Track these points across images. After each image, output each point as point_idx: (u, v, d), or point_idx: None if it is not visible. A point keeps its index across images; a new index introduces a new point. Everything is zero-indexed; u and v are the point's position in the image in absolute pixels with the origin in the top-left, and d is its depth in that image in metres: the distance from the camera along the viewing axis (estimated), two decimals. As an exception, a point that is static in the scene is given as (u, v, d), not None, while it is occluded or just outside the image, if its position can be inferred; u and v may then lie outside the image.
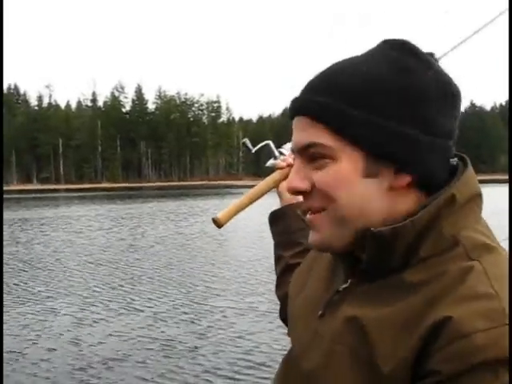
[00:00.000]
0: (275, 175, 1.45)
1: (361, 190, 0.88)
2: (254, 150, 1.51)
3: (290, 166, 1.42)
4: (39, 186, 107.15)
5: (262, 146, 1.50)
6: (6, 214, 32.51)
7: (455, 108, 0.91)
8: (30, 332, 8.09)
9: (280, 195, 1.48)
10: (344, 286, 0.96)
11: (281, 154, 1.48)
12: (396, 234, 0.86)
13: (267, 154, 1.49)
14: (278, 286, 1.44)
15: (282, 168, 1.45)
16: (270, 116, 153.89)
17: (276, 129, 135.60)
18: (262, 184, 1.45)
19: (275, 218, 1.47)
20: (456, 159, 0.95)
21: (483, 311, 0.76)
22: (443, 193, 0.88)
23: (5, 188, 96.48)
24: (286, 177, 1.42)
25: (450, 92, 0.90)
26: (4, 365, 6.67)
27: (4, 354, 6.99)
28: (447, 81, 0.90)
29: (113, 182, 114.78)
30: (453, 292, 0.80)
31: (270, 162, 1.48)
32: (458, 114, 0.92)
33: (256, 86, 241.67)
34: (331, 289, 1.00)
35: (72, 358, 6.92)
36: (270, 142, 1.49)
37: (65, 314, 9.07)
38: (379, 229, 0.86)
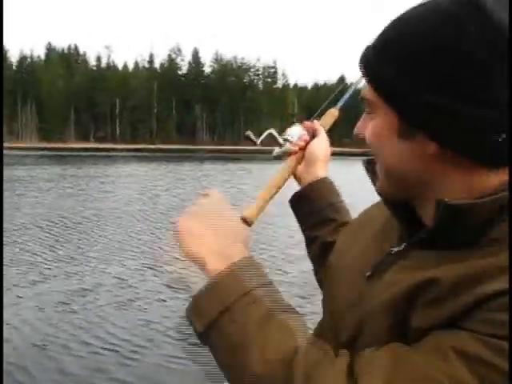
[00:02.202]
0: (290, 161, 1.38)
1: (394, 150, 0.88)
2: (258, 142, 1.42)
3: (302, 149, 1.39)
4: (96, 145, 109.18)
5: (266, 136, 1.42)
6: (70, 172, 33.48)
7: (502, 72, 0.78)
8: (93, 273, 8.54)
9: (299, 179, 1.40)
10: (398, 248, 0.93)
11: (286, 140, 1.40)
12: (473, 211, 0.82)
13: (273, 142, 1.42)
14: (317, 271, 1.37)
15: (295, 153, 1.39)
16: (325, 83, 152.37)
17: (331, 96, 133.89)
18: (280, 173, 1.37)
19: (299, 201, 1.39)
20: None
21: None
22: None
23: (63, 145, 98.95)
24: (300, 160, 1.39)
25: (495, 54, 0.77)
26: (80, 301, 7.07)
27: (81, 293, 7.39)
28: (493, 40, 0.77)
29: (167, 143, 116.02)
30: None
31: (277, 151, 1.41)
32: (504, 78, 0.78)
33: (313, 53, 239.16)
34: (383, 250, 0.96)
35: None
36: (273, 131, 1.42)
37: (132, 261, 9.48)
38: (457, 202, 0.82)
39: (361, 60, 0.91)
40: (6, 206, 16.39)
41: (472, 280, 0.79)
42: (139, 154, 69.46)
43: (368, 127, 0.92)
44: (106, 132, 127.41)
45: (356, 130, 0.96)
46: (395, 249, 0.94)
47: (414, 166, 0.87)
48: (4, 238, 11.35)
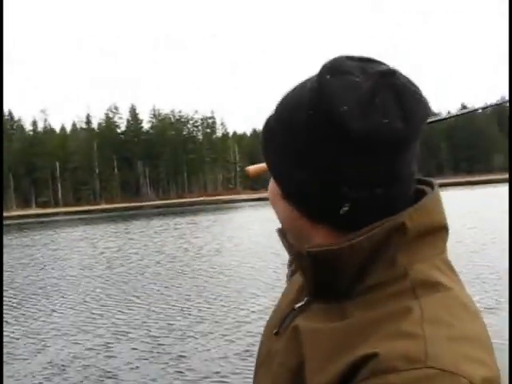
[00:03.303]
0: None
1: (279, 209, 0.95)
2: None
3: None
4: (39, 211, 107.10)
5: None
6: (16, 241, 32.76)
7: (347, 147, 0.82)
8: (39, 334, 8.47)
9: None
10: (299, 304, 0.96)
11: None
12: (332, 256, 0.85)
13: None
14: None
15: None
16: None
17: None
18: None
19: None
20: (423, 186, 0.92)
21: (404, 352, 0.75)
22: (391, 220, 0.84)
23: (5, 214, 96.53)
24: None
25: (336, 131, 0.82)
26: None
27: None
28: (333, 119, 0.81)
29: (111, 203, 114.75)
30: (384, 328, 0.79)
31: None
32: (345, 153, 0.82)
33: (249, 100, 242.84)
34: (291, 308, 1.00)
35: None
36: None
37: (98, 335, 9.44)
38: (313, 249, 0.87)
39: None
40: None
41: (342, 346, 0.81)
42: (84, 216, 68.45)
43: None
44: (48, 196, 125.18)
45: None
46: (297, 305, 0.96)
47: (292, 225, 0.93)
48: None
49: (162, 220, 45.05)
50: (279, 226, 0.99)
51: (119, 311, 11.13)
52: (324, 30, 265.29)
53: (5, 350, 8.68)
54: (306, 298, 0.95)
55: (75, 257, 21.81)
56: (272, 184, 0.95)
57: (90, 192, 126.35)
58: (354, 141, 0.81)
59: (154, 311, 10.86)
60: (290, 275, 1.25)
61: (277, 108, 0.93)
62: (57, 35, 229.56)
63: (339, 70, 0.84)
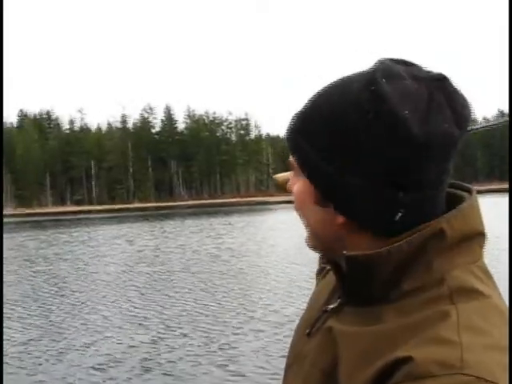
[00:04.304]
0: None
1: (311, 214, 0.93)
2: None
3: None
4: (74, 208, 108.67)
5: None
6: (53, 237, 33.32)
7: (408, 151, 0.82)
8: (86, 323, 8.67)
9: None
10: (332, 305, 0.96)
11: None
12: (371, 261, 0.85)
13: None
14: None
15: None
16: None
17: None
18: None
19: None
20: (461, 192, 0.92)
21: (440, 357, 0.75)
22: (430, 225, 0.84)
23: (41, 210, 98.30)
24: None
25: (398, 136, 0.81)
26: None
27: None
28: (396, 124, 0.81)
29: (145, 202, 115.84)
30: (421, 333, 0.79)
31: None
32: (417, 157, 0.82)
33: (283, 101, 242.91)
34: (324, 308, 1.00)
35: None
36: None
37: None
38: (354, 253, 0.86)
39: (287, 128, 0.95)
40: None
41: (377, 349, 0.81)
42: (118, 214, 69.12)
43: (294, 187, 0.95)
44: (82, 195, 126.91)
45: (288, 185, 0.99)
46: (330, 306, 0.97)
47: (328, 230, 0.91)
48: (6, 314, 11.38)
49: (197, 220, 45.34)
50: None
51: (167, 306, 11.35)
52: (349, 32, 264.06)
53: (61, 343, 8.94)
54: (338, 300, 0.95)
55: (115, 254, 22.12)
56: (302, 186, 0.93)
57: (123, 191, 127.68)
58: (415, 145, 0.81)
59: (201, 308, 11.02)
60: (320, 271, 1.23)
61: (315, 107, 0.91)
62: (93, 36, 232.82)
63: (391, 74, 0.84)
